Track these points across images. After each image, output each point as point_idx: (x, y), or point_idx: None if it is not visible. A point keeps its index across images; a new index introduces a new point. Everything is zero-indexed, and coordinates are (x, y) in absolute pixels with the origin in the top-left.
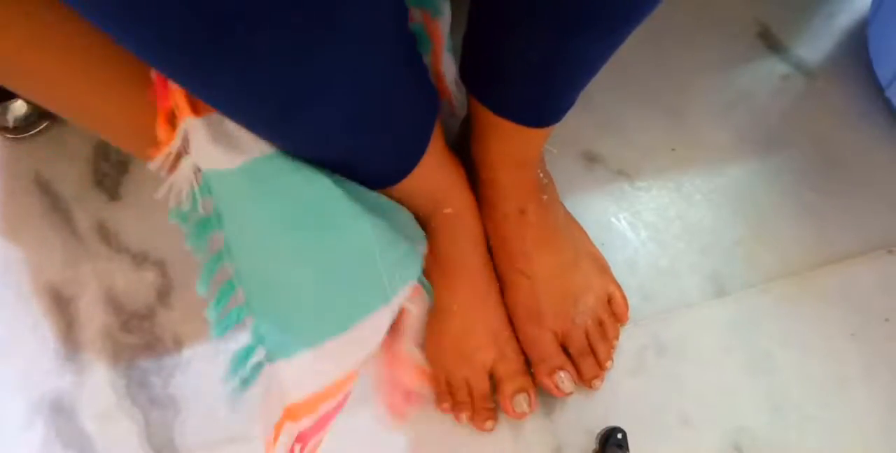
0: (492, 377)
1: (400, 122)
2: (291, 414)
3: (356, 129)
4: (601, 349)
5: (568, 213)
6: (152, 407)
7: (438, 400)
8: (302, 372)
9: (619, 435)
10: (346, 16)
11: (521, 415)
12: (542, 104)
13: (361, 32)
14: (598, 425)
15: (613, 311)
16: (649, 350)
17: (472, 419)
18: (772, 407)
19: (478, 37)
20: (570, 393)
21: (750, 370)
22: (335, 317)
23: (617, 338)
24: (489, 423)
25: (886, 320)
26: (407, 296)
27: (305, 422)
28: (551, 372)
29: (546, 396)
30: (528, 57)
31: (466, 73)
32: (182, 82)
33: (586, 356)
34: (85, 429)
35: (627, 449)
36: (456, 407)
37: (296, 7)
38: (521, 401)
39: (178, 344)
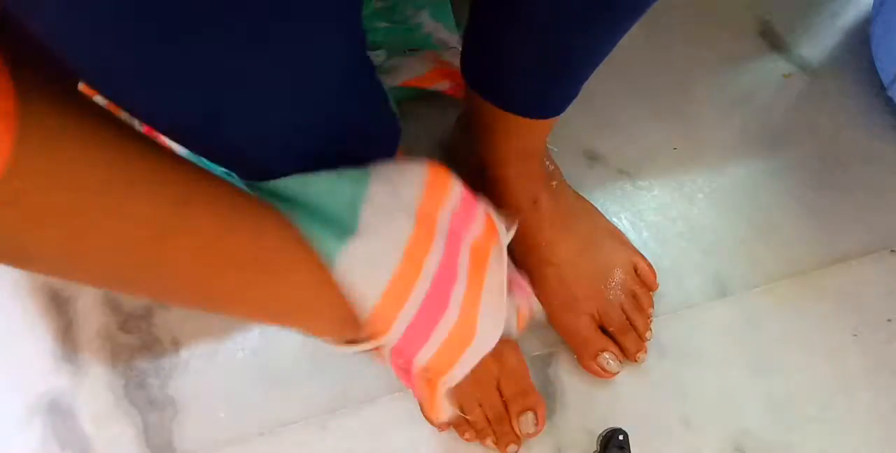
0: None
1: (353, 148)
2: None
3: (305, 147)
4: (639, 321)
5: (577, 194)
6: (151, 408)
7: (460, 431)
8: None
9: (621, 437)
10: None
11: (530, 436)
12: (548, 95)
13: (306, 48)
14: (600, 426)
15: (642, 281)
16: (651, 350)
17: (496, 444)
18: (774, 409)
19: (482, 33)
20: (618, 372)
21: (752, 371)
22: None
23: (652, 306)
24: (512, 447)
25: (889, 320)
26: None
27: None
28: (595, 356)
29: (547, 398)
30: (535, 50)
31: (470, 69)
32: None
33: (627, 332)
34: (83, 430)
35: (629, 450)
36: (479, 435)
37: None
38: (528, 421)
39: (177, 345)
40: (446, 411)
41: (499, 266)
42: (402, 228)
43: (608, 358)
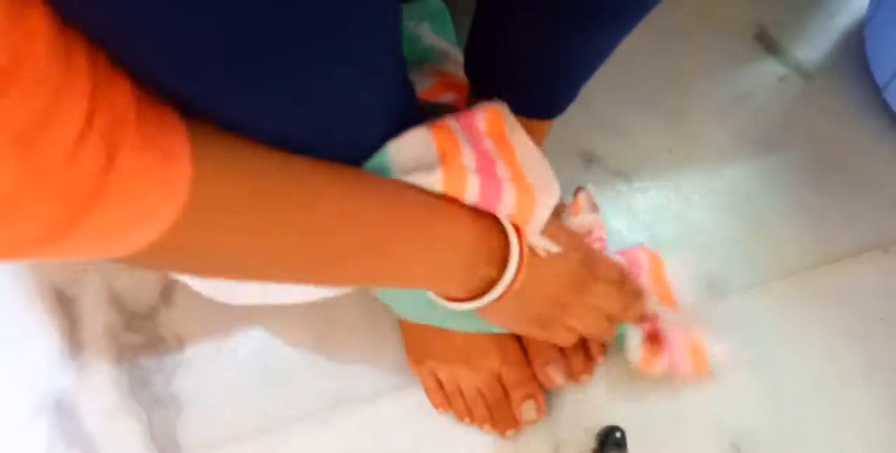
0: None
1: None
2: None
3: (340, 141)
4: (592, 344)
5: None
6: (155, 406)
7: (459, 415)
8: None
9: (618, 434)
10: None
11: (531, 423)
12: (548, 96)
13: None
14: (597, 424)
15: None
16: None
17: (493, 428)
18: (770, 407)
19: (484, 33)
20: (561, 386)
21: (748, 369)
22: None
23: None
24: (510, 432)
25: (882, 319)
26: None
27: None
28: (542, 366)
29: (546, 395)
30: (535, 51)
31: (471, 69)
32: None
33: (576, 350)
34: (88, 428)
35: (626, 448)
36: (476, 421)
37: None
38: (530, 409)
39: (181, 343)
40: (543, 244)
41: (514, 131)
42: (424, 140)
43: (553, 371)
